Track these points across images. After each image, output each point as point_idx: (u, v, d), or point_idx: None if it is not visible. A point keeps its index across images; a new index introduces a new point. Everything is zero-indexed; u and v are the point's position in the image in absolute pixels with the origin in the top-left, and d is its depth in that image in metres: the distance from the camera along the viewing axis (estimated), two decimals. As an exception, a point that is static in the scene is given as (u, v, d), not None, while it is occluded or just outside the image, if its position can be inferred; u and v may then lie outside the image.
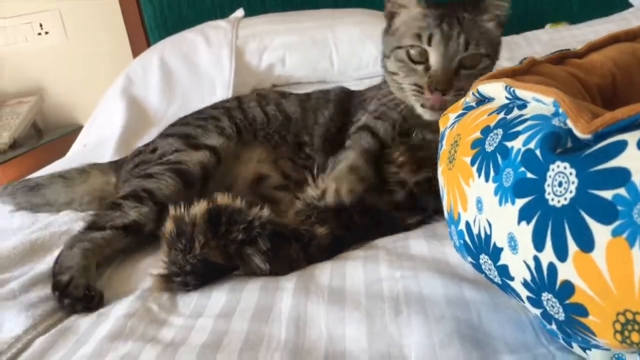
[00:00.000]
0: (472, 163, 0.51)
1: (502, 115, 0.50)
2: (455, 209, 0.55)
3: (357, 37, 1.78)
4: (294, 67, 1.79)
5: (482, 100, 0.58)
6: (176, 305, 0.73)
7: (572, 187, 0.41)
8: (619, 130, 0.40)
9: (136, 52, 2.04)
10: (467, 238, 0.53)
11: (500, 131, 0.49)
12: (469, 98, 0.59)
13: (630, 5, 1.93)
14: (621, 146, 0.39)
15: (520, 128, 0.47)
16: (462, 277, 0.67)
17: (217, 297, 0.73)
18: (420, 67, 0.93)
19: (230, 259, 0.76)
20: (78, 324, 0.72)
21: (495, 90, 0.53)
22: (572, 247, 0.41)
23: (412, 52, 0.93)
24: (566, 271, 0.42)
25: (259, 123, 1.11)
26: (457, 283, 0.65)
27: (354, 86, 1.69)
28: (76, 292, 0.76)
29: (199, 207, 0.77)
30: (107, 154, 1.53)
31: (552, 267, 0.43)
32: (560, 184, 0.42)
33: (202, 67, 1.81)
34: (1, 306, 0.77)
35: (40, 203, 1.14)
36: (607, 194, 0.39)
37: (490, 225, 0.49)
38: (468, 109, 0.59)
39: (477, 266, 0.54)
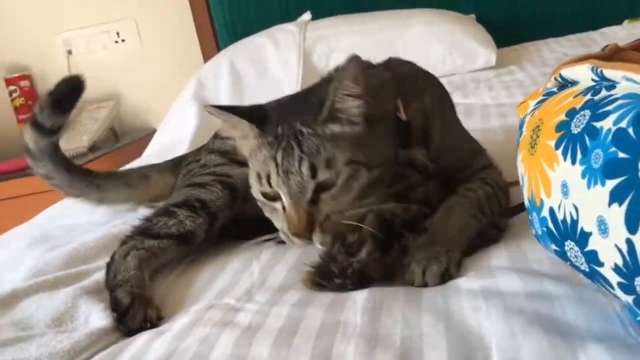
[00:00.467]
0: (557, 146, 0.49)
1: (588, 96, 0.49)
2: (537, 195, 0.53)
3: (424, 37, 1.77)
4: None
5: (564, 85, 0.56)
6: (252, 295, 0.74)
7: (669, 166, 0.40)
8: None
9: (207, 57, 2.10)
10: (550, 225, 0.52)
11: (587, 112, 0.47)
12: (550, 83, 0.58)
13: None
14: None
15: (610, 108, 0.45)
16: (542, 272, 0.65)
17: (293, 291, 0.74)
18: (278, 206, 0.79)
19: (388, 272, 0.72)
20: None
21: (580, 72, 0.52)
22: (669, 227, 0.40)
23: (269, 194, 0.80)
24: (662, 253, 0.40)
25: None
26: (537, 278, 0.63)
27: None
28: (132, 322, 0.72)
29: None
30: (180, 154, 1.58)
31: (646, 250, 0.42)
32: (655, 163, 0.41)
33: (271, 70, 1.84)
34: (88, 299, 0.79)
35: (102, 203, 1.17)
36: None
37: (577, 209, 0.47)
38: (549, 94, 0.57)
39: (562, 254, 0.53)
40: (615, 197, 0.43)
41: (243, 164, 0.95)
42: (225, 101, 1.81)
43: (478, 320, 0.58)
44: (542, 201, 0.52)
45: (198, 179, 0.98)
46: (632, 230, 0.42)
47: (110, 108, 2.20)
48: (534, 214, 0.54)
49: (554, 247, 0.53)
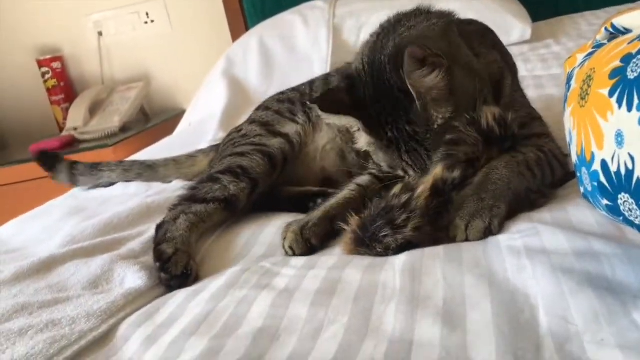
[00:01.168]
0: (611, 94, 0.47)
1: (645, 40, 0.46)
2: (588, 149, 0.51)
3: (458, 10, 1.72)
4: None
5: (615, 36, 0.54)
6: (288, 260, 0.73)
7: None
8: None
9: (235, 37, 2.09)
10: (602, 178, 0.50)
11: (645, 55, 0.45)
12: (600, 35, 0.55)
13: None
14: None
15: (671, 48, 0.43)
16: (589, 232, 0.62)
17: (329, 254, 0.73)
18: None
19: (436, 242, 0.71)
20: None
21: (635, 19, 0.49)
22: None
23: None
24: None
25: None
26: (583, 237, 0.61)
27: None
28: (175, 269, 0.76)
29: (424, 187, 0.72)
30: (210, 131, 1.58)
31: None
32: None
33: (300, 47, 1.83)
34: (124, 263, 0.80)
35: (153, 179, 1.21)
36: None
37: (632, 159, 0.45)
38: (599, 46, 0.55)
39: (614, 209, 0.50)
40: (676, 142, 0.41)
41: (281, 134, 1.02)
42: (254, 78, 1.80)
43: (523, 279, 0.56)
44: (592, 155, 0.50)
45: (238, 148, 1.02)
46: (693, 177, 0.40)
47: (140, 88, 2.21)
48: (584, 169, 0.52)
49: (605, 202, 0.51)
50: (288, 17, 1.91)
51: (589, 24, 1.70)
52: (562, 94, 0.63)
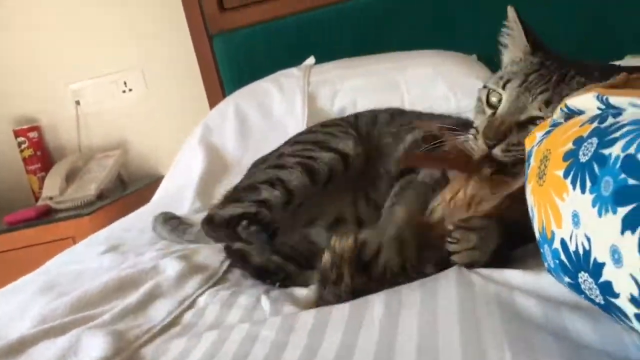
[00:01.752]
0: (566, 175, 0.49)
1: (595, 124, 0.49)
2: (548, 227, 0.52)
3: (427, 77, 1.79)
4: (365, 110, 1.81)
5: (571, 115, 0.56)
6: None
7: (680, 191, 0.39)
8: None
9: (213, 104, 2.12)
10: (563, 257, 0.51)
11: (594, 140, 0.47)
12: (557, 115, 0.58)
13: None
14: None
15: (617, 134, 0.45)
16: (561, 301, 0.63)
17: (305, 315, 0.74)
18: (489, 111, 0.86)
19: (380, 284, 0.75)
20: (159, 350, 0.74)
21: (586, 102, 0.52)
22: (683, 254, 0.39)
23: (492, 98, 0.86)
24: (678, 282, 0.40)
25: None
26: (555, 307, 0.62)
27: (427, 126, 1.70)
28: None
29: (347, 243, 0.77)
30: (187, 200, 1.59)
31: (662, 279, 0.41)
32: (666, 189, 0.40)
33: (276, 114, 1.86)
34: (90, 333, 0.79)
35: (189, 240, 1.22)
36: None
37: (589, 239, 0.47)
38: (556, 125, 0.57)
39: (576, 287, 0.52)
40: (628, 224, 0.43)
41: (332, 149, 1.06)
42: (231, 145, 1.82)
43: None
44: (553, 233, 0.51)
45: (283, 160, 1.08)
46: (646, 258, 0.42)
47: (117, 156, 2.22)
48: (546, 246, 0.54)
49: (567, 279, 0.52)
50: (264, 85, 1.96)
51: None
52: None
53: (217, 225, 1.02)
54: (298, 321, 0.71)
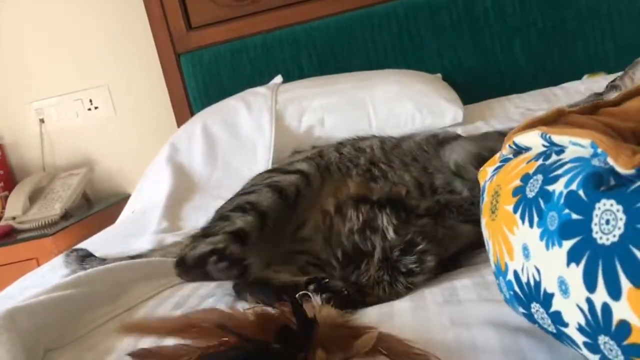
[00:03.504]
0: (515, 210, 0.51)
1: (540, 161, 0.51)
2: (502, 259, 0.54)
3: (394, 95, 1.82)
4: (332, 128, 1.82)
5: (519, 151, 0.58)
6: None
7: (621, 224, 0.41)
8: (662, 164, 0.40)
9: (180, 122, 2.13)
10: (516, 288, 0.53)
11: (540, 177, 0.49)
12: (505, 151, 0.60)
13: (666, 53, 1.92)
14: (665, 179, 0.39)
15: (560, 171, 0.47)
16: (517, 326, 0.65)
17: None
18: None
19: None
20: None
21: (531, 139, 0.54)
22: (625, 284, 0.41)
23: None
24: (621, 310, 0.41)
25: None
26: (512, 334, 0.63)
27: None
28: None
29: None
30: (154, 220, 1.57)
31: (606, 308, 0.42)
32: (607, 222, 0.42)
33: (244, 132, 1.86)
34: None
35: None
36: (657, 227, 0.39)
37: (538, 271, 0.48)
38: (505, 160, 0.59)
39: (530, 316, 0.53)
40: (573, 257, 0.44)
41: (292, 171, 1.05)
42: (198, 164, 1.82)
43: None
44: (506, 265, 0.53)
45: (249, 188, 1.06)
46: (590, 289, 0.43)
47: (82, 175, 2.20)
48: (501, 278, 0.55)
49: (521, 310, 0.54)
50: (232, 103, 1.96)
51: (515, 107, 1.81)
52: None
53: (189, 267, 0.99)
54: None
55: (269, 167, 1.55)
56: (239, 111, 1.92)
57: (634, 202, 0.40)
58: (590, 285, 0.43)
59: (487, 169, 0.59)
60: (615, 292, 0.41)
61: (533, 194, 0.49)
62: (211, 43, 2.17)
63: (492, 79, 2.07)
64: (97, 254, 1.34)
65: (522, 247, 0.50)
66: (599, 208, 0.43)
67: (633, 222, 0.40)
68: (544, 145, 0.51)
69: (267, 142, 1.81)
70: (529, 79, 2.02)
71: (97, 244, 1.51)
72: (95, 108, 2.32)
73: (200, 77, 2.18)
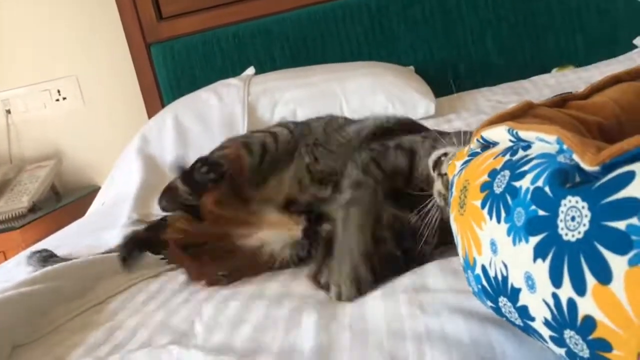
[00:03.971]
0: (483, 206, 0.51)
1: (507, 157, 0.51)
2: (470, 253, 0.54)
3: (366, 88, 1.82)
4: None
5: (487, 145, 0.59)
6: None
7: (586, 221, 0.42)
8: (627, 161, 0.41)
9: (151, 114, 2.10)
10: (484, 282, 0.53)
11: (507, 172, 0.49)
12: (474, 145, 0.60)
13: (634, 47, 1.96)
14: (630, 176, 0.40)
15: (526, 168, 0.47)
16: (485, 316, 0.66)
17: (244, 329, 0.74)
18: None
19: None
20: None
21: (499, 134, 0.54)
22: (590, 280, 0.41)
23: None
24: (586, 306, 0.42)
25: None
26: (480, 323, 0.64)
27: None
28: None
29: None
30: (124, 212, 1.55)
31: (571, 303, 0.43)
32: (573, 219, 0.42)
33: (216, 124, 1.84)
34: None
35: None
36: (621, 225, 0.39)
37: (506, 266, 0.49)
38: (473, 155, 0.60)
39: (497, 310, 0.54)
40: (539, 253, 0.45)
41: (263, 131, 1.19)
42: (169, 156, 1.79)
43: None
44: (474, 259, 0.53)
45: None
46: (556, 284, 0.44)
47: (51, 167, 2.16)
48: (469, 271, 0.56)
49: (489, 303, 0.54)
50: (203, 95, 1.94)
51: (486, 99, 1.83)
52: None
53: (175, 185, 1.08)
54: None
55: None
56: (211, 103, 1.90)
57: (598, 200, 0.41)
58: (556, 281, 0.44)
59: (456, 163, 0.59)
60: (580, 288, 0.42)
61: (500, 189, 0.49)
62: (182, 33, 2.14)
63: (464, 72, 2.09)
64: (66, 248, 1.32)
65: (489, 242, 0.50)
66: (565, 205, 0.43)
67: (598, 219, 0.41)
68: (511, 141, 0.52)
69: (239, 134, 1.79)
70: (500, 72, 2.04)
71: (66, 237, 1.48)
72: (64, 99, 2.27)
73: (171, 68, 2.15)
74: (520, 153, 0.50)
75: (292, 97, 1.84)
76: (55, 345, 0.84)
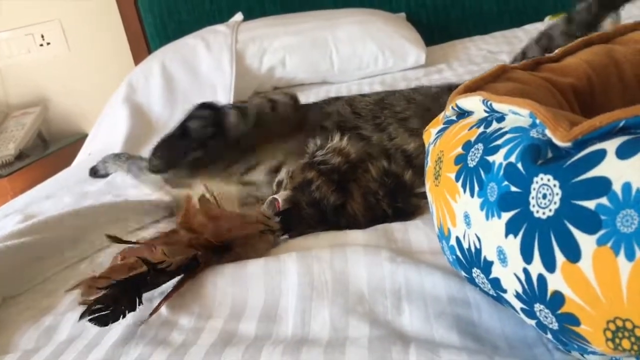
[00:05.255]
0: (457, 179, 0.51)
1: (481, 129, 0.50)
2: (445, 224, 0.54)
3: (357, 36, 1.78)
4: (294, 69, 1.79)
5: (462, 113, 0.58)
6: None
7: (556, 199, 0.41)
8: (599, 138, 0.40)
9: (137, 59, 2.06)
10: (458, 253, 0.53)
11: (481, 146, 0.49)
12: (449, 112, 0.59)
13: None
14: (601, 155, 0.39)
15: (500, 142, 0.47)
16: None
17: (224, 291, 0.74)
18: None
19: None
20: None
21: (473, 104, 0.53)
22: (560, 257, 0.41)
23: None
24: (555, 282, 0.42)
25: None
26: (459, 282, 0.65)
27: (356, 86, 1.70)
28: None
29: None
30: (111, 163, 1.54)
31: (541, 279, 0.43)
32: (544, 196, 0.42)
33: (203, 72, 1.81)
34: None
35: None
36: (590, 204, 0.39)
37: (479, 239, 0.49)
38: (449, 122, 0.59)
39: (471, 280, 0.54)
40: (511, 228, 0.45)
41: (262, 97, 1.12)
42: (156, 104, 1.77)
43: (400, 322, 0.60)
44: (449, 230, 0.53)
45: None
46: (527, 260, 0.44)
47: (37, 113, 2.13)
48: (444, 242, 0.56)
49: (463, 273, 0.55)
50: (191, 42, 1.90)
51: (478, 49, 1.80)
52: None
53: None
54: None
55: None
56: (198, 50, 1.86)
57: (570, 178, 0.41)
58: (527, 257, 0.44)
59: (431, 130, 0.59)
60: (550, 264, 0.42)
61: (474, 163, 0.48)
62: (169, -24, 2.08)
63: (455, 20, 2.05)
64: (53, 199, 1.31)
65: (463, 215, 0.50)
66: (537, 182, 0.43)
67: (568, 197, 0.41)
68: (486, 111, 0.51)
69: (227, 82, 1.77)
70: (492, 19, 2.00)
71: (54, 187, 1.48)
72: (48, 44, 2.22)
73: (158, 13, 2.09)
74: (494, 125, 0.49)
75: (281, 45, 1.80)
76: (44, 297, 0.85)
